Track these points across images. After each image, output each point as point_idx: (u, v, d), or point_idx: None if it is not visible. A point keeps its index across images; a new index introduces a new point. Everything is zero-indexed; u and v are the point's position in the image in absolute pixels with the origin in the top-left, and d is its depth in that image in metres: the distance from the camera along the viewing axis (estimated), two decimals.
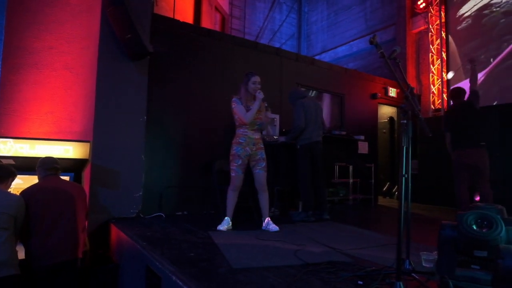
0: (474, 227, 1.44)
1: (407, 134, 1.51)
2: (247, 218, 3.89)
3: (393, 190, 7.31)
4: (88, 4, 3.98)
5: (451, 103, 4.28)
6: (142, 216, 3.71)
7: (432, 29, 7.10)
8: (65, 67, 3.97)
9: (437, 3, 7.12)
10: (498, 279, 1.08)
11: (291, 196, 4.59)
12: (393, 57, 1.84)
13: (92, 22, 3.84)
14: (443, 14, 6.97)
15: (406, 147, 1.52)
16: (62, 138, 3.65)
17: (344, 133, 5.58)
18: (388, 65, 1.66)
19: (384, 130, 7.59)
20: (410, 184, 1.67)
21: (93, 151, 3.48)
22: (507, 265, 1.07)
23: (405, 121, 1.53)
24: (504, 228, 1.44)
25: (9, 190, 2.57)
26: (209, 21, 7.45)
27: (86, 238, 2.90)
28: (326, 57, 9.70)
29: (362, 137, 5.88)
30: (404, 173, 1.52)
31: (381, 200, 6.47)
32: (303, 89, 4.98)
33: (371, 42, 1.69)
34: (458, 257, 1.51)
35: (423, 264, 2.07)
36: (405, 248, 1.83)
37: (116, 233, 3.24)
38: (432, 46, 7.07)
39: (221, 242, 2.66)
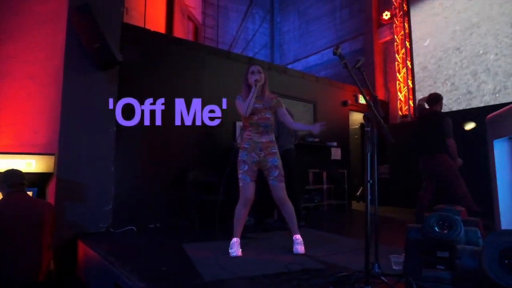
0: (436, 229, 1.50)
1: (371, 141, 1.56)
2: (221, 228, 3.86)
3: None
4: (53, 12, 3.85)
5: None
6: (112, 230, 3.58)
7: (397, 39, 7.43)
8: (28, 77, 3.80)
9: (401, 14, 7.46)
10: (457, 278, 1.13)
11: (267, 204, 4.59)
12: (358, 67, 1.90)
13: (58, 30, 3.71)
14: (406, 25, 7.31)
15: (370, 154, 1.56)
16: (24, 151, 3.47)
17: (317, 140, 5.68)
18: (351, 75, 1.71)
19: (356, 136, 7.79)
20: (376, 189, 1.71)
21: (59, 164, 3.34)
22: (463, 265, 1.12)
23: (369, 129, 1.58)
24: (463, 229, 1.50)
25: None
26: (181, 30, 7.42)
27: (51, 257, 2.75)
28: (298, 66, 9.89)
29: (335, 144, 6.00)
30: (369, 179, 1.56)
31: (355, 205, 6.60)
32: None
33: (334, 53, 1.73)
34: (425, 258, 1.56)
35: (393, 267, 2.11)
36: (374, 251, 1.87)
37: (83, 249, 3.10)
38: (398, 55, 7.39)
39: (194, 254, 2.60)
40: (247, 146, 2.71)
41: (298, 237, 2.70)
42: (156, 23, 6.61)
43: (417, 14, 7.17)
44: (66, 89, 3.45)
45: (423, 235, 1.53)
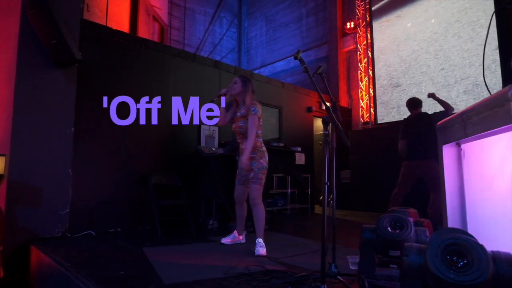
0: (389, 229, 1.59)
1: (328, 145, 1.63)
2: (185, 231, 3.81)
3: (329, 199, 7.69)
4: (6, 4, 3.63)
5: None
6: (69, 235, 3.42)
7: (360, 49, 7.78)
8: None
9: (364, 25, 7.83)
10: (404, 275, 1.21)
11: (230, 208, 4.60)
12: (319, 72, 1.98)
13: (10, 24, 3.50)
14: (369, 36, 7.68)
15: (327, 157, 1.63)
16: None
17: (282, 144, 5.77)
18: (311, 79, 1.78)
19: (320, 142, 8.01)
20: (335, 192, 1.79)
21: (10, 165, 3.13)
22: (410, 261, 1.20)
23: (327, 132, 1.65)
24: (413, 229, 1.61)
25: None
26: (146, 31, 7.26)
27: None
28: (265, 71, 10.03)
29: (299, 149, 6.14)
30: (326, 181, 1.62)
31: (318, 209, 6.77)
32: None
33: (295, 58, 1.80)
34: (379, 258, 1.64)
35: (350, 267, 2.20)
36: (331, 252, 1.94)
37: (36, 255, 2.93)
38: (360, 64, 7.74)
39: (154, 258, 2.55)
40: (239, 151, 3.01)
41: (260, 240, 2.80)
42: (119, 22, 6.43)
43: (378, 25, 7.56)
44: (19, 86, 3.25)
45: (377, 235, 1.62)
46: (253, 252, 2.72)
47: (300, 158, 6.23)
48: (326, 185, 1.65)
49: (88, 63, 3.76)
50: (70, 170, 3.51)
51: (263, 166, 2.90)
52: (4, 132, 3.32)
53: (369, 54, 7.65)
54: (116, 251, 2.86)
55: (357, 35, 7.85)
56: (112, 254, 2.75)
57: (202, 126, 4.91)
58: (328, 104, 1.79)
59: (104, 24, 5.33)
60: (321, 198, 7.70)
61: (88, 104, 3.79)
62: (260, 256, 2.65)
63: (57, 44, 3.31)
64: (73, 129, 3.56)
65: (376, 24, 7.53)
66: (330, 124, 1.69)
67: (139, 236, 3.54)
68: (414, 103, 4.31)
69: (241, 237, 3.19)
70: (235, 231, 3.18)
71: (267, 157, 2.97)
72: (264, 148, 3.00)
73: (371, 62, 7.53)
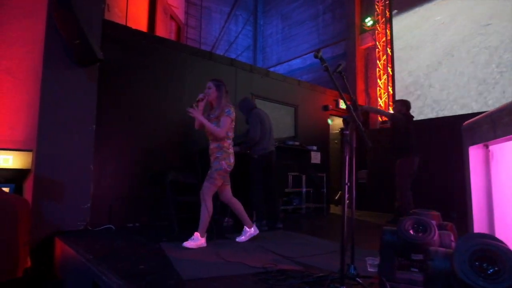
0: (411, 232, 1.57)
1: (349, 144, 1.62)
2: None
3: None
4: (32, 6, 3.74)
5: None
6: (90, 228, 3.52)
7: (378, 46, 7.65)
8: (5, 72, 3.68)
9: (383, 21, 7.69)
10: (428, 279, 1.19)
11: (245, 205, 4.61)
12: (339, 71, 1.96)
13: (37, 25, 3.62)
14: (388, 32, 7.54)
15: (348, 157, 1.62)
16: (1, 147, 3.36)
17: (297, 143, 5.76)
18: (331, 79, 1.77)
19: (336, 141, 7.94)
20: (354, 192, 1.78)
21: (36, 160, 3.25)
22: (435, 266, 1.18)
23: (347, 132, 1.64)
24: (437, 232, 1.58)
25: None
26: (164, 30, 7.36)
27: (27, 254, 2.68)
28: (280, 69, 9.99)
29: (315, 148, 6.11)
30: (346, 181, 1.62)
31: (333, 209, 6.72)
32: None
33: (315, 56, 1.79)
34: (399, 261, 1.63)
35: (368, 269, 2.17)
36: (350, 254, 1.93)
37: (61, 247, 3.04)
38: (379, 61, 7.60)
39: (172, 254, 2.60)
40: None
41: (196, 234, 2.91)
42: (138, 21, 6.53)
43: (399, 22, 7.41)
44: (45, 85, 3.37)
45: (398, 238, 1.60)
46: (266, 249, 2.73)
47: (315, 157, 6.20)
48: (346, 186, 1.64)
49: (109, 62, 3.85)
50: (92, 166, 3.61)
51: (221, 168, 2.98)
52: (31, 129, 3.44)
53: (389, 51, 7.51)
54: (135, 245, 2.92)
55: (376, 31, 7.71)
56: (132, 248, 2.82)
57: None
58: (348, 103, 1.77)
59: (124, 23, 5.43)
60: (336, 197, 7.65)
61: (108, 102, 3.88)
62: (185, 247, 2.78)
63: (80, 44, 3.40)
64: (94, 126, 3.65)
65: (396, 20, 7.39)
66: (350, 123, 1.67)
67: (157, 232, 3.61)
68: (409, 105, 4.79)
69: (252, 229, 3.25)
70: (245, 227, 3.24)
71: (232, 160, 3.05)
72: (231, 151, 3.07)
73: (391, 59, 7.40)
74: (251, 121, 4.03)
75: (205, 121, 2.99)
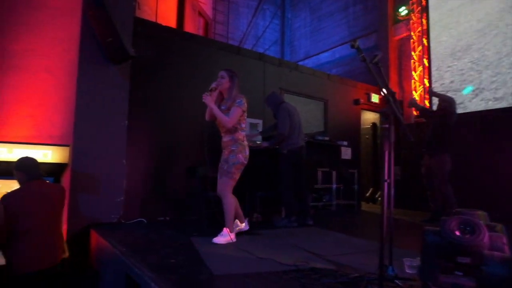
0: (457, 233, 1.45)
1: (388, 139, 1.52)
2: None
3: (376, 196, 7.39)
4: (69, 6, 3.88)
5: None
6: (123, 222, 3.62)
7: (413, 36, 7.29)
8: (45, 70, 3.85)
9: (418, 10, 7.32)
10: (482, 286, 1.08)
11: (274, 201, 4.57)
12: (375, 62, 1.86)
13: (73, 25, 3.74)
14: (424, 22, 7.17)
15: (388, 152, 1.52)
16: (41, 142, 3.52)
17: (327, 138, 5.62)
18: (370, 69, 1.67)
19: (367, 136, 7.69)
20: (392, 190, 1.67)
21: (73, 155, 3.38)
22: (490, 272, 1.07)
23: (386, 126, 1.54)
24: (487, 234, 1.45)
25: None
26: (192, 26, 7.42)
27: (64, 243, 2.81)
28: (309, 63, 9.80)
29: (345, 143, 5.94)
30: (386, 178, 1.52)
31: (364, 206, 6.53)
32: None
33: (352, 46, 1.69)
34: (441, 263, 1.51)
35: (406, 270, 2.07)
36: (388, 254, 1.83)
37: (96, 239, 3.14)
38: (414, 52, 7.25)
39: (202, 248, 2.61)
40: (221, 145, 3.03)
41: (225, 230, 2.85)
42: (168, 18, 6.61)
43: (436, 10, 7.01)
44: (81, 82, 3.48)
45: (442, 239, 1.49)
46: (297, 246, 2.67)
47: (346, 153, 6.03)
48: (386, 183, 1.54)
49: (140, 59, 3.91)
50: (124, 161, 3.69)
51: (239, 161, 2.90)
52: (68, 124, 3.58)
53: (425, 41, 7.13)
54: (166, 239, 2.96)
55: (411, 21, 7.35)
56: (163, 241, 2.86)
57: (247, 119, 4.91)
58: (387, 95, 1.66)
59: (154, 21, 5.50)
60: (367, 194, 7.43)
61: (139, 97, 3.96)
62: (214, 243, 2.72)
63: (113, 42, 3.47)
64: (126, 122, 3.74)
65: (433, 9, 7.01)
66: (390, 116, 1.57)
67: (187, 226, 3.65)
68: None
69: (243, 224, 3.17)
70: (236, 220, 3.12)
71: (247, 153, 2.96)
72: (245, 143, 2.97)
73: (427, 50, 7.03)
74: (280, 115, 3.96)
75: (216, 110, 2.90)
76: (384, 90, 1.63)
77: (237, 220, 3.14)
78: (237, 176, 2.94)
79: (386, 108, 1.59)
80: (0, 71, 3.65)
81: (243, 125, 2.98)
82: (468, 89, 5.20)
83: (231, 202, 2.92)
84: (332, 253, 2.57)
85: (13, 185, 2.71)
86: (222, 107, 2.97)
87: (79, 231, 3.31)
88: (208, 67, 4.60)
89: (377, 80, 1.68)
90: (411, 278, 1.78)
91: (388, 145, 1.54)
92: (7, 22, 3.70)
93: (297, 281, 1.86)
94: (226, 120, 2.88)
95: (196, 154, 4.34)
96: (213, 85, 2.96)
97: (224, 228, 2.88)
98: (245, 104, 2.95)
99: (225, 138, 2.98)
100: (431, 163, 4.36)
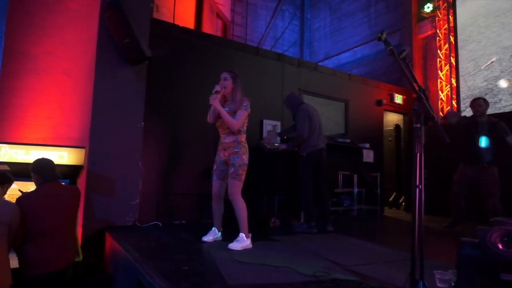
0: (500, 247, 1.27)
1: (420, 140, 1.36)
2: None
3: (400, 201, 7.09)
4: (87, 9, 3.91)
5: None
6: (138, 225, 3.57)
7: (439, 34, 6.96)
8: (63, 72, 3.89)
9: (444, 7, 6.99)
10: None
11: (293, 205, 4.42)
12: (402, 57, 1.70)
13: (91, 27, 3.76)
14: (451, 18, 6.84)
15: (419, 155, 1.36)
16: (59, 144, 3.54)
17: (348, 140, 5.42)
18: (398, 62, 1.51)
19: (390, 138, 7.41)
20: (423, 195, 1.51)
21: (89, 157, 3.36)
22: None
23: (418, 125, 1.38)
24: None
25: (4, 196, 2.46)
26: (210, 28, 7.39)
27: (78, 246, 2.78)
28: (329, 64, 9.58)
29: (367, 145, 5.72)
30: (417, 183, 1.36)
31: (387, 211, 6.26)
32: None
33: (379, 39, 1.55)
34: (481, 280, 1.34)
35: (438, 284, 1.89)
36: (418, 267, 1.65)
37: (110, 242, 3.10)
38: (440, 51, 6.92)
39: (217, 254, 2.50)
40: (218, 146, 3.01)
41: (242, 235, 2.78)
42: (186, 20, 6.61)
43: (463, 5, 6.67)
44: (98, 84, 3.47)
45: (482, 253, 1.31)
46: (316, 254, 2.52)
47: (368, 155, 5.80)
48: (417, 189, 1.38)
49: (157, 60, 3.88)
50: (140, 163, 3.66)
51: (244, 163, 2.88)
52: (85, 126, 3.58)
53: (451, 39, 6.80)
54: (180, 243, 2.89)
55: (437, 18, 7.03)
56: (177, 246, 2.78)
57: (265, 121, 4.80)
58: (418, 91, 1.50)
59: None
60: (391, 199, 7.14)
61: (155, 98, 3.92)
62: (230, 249, 2.63)
63: (130, 43, 3.45)
64: (142, 123, 3.70)
65: (461, 4, 6.68)
66: (422, 115, 1.41)
67: (202, 230, 3.54)
68: None
69: (220, 233, 3.09)
70: (214, 228, 3.05)
71: (248, 154, 2.96)
72: (247, 145, 2.97)
73: (454, 48, 6.69)
74: (299, 117, 3.82)
75: (224, 113, 2.86)
76: (415, 86, 1.47)
77: (215, 228, 3.05)
78: (243, 177, 2.90)
79: (418, 106, 1.43)
80: (20, 74, 3.71)
81: (245, 128, 3.00)
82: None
83: (243, 206, 2.85)
84: (355, 263, 2.40)
85: (30, 186, 2.71)
86: (226, 109, 2.93)
87: (94, 234, 3.28)
88: (225, 68, 4.50)
89: (407, 75, 1.53)
90: None
91: (420, 146, 1.38)
92: (27, 26, 3.76)
93: None
94: (234, 123, 2.86)
95: (211, 156, 4.26)
96: (217, 88, 2.94)
97: (240, 233, 2.79)
98: (249, 107, 2.96)
99: (227, 139, 2.94)
100: (480, 175, 3.93)
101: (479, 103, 3.87)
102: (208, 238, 2.99)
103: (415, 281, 1.44)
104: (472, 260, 1.34)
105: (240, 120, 2.87)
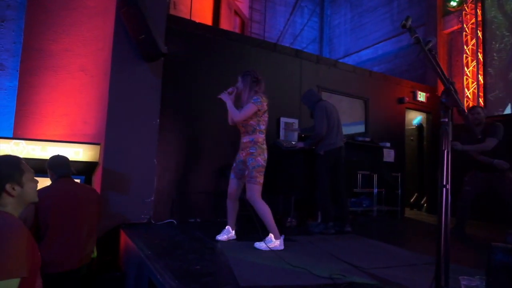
0: None
1: (447, 136, 1.24)
2: (262, 227, 3.67)
3: (422, 202, 6.83)
4: (103, 5, 3.93)
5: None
6: (153, 222, 3.56)
7: (466, 29, 6.64)
8: (80, 69, 3.92)
9: (472, 0, 6.66)
10: None
11: (310, 205, 4.31)
12: (428, 48, 1.58)
13: (107, 23, 3.78)
14: (479, 12, 6.51)
15: (447, 152, 1.24)
16: (75, 140, 3.57)
17: (368, 139, 5.25)
18: (425, 52, 1.40)
19: (412, 137, 7.15)
20: (450, 195, 1.38)
21: (104, 154, 3.37)
22: None
23: (446, 120, 1.26)
24: None
25: None
26: (228, 25, 7.35)
27: (95, 244, 2.77)
28: (349, 61, 9.35)
29: (388, 144, 5.52)
30: (444, 183, 1.24)
31: (408, 213, 6.04)
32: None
33: (403, 26, 1.43)
34: None
35: None
36: (443, 272, 1.53)
37: (124, 240, 3.10)
38: (467, 47, 6.60)
39: (230, 254, 2.44)
40: (239, 145, 2.95)
41: (270, 236, 2.70)
42: (203, 17, 6.59)
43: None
44: (114, 81, 3.47)
45: None
46: (332, 255, 2.42)
47: (389, 155, 5.61)
48: (444, 189, 1.27)
49: (173, 56, 3.86)
50: (155, 160, 3.64)
51: (259, 164, 2.77)
52: (101, 123, 3.60)
53: (479, 34, 6.47)
54: (194, 242, 2.84)
55: (463, 12, 6.70)
56: (190, 245, 2.74)
57: (282, 118, 4.71)
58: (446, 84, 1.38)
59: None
60: (411, 200, 6.89)
61: (171, 95, 3.90)
62: (258, 249, 2.61)
63: (145, 39, 3.44)
64: (158, 120, 3.69)
65: None
66: (450, 108, 1.29)
67: (217, 228, 3.50)
68: None
69: (233, 232, 3.02)
70: (228, 227, 2.99)
71: (266, 155, 2.84)
72: (265, 146, 2.86)
73: (482, 44, 6.37)
74: (316, 115, 3.71)
75: (229, 104, 2.85)
76: (443, 78, 1.35)
77: (228, 227, 2.99)
78: (260, 179, 2.78)
79: (446, 99, 1.30)
80: (38, 71, 3.77)
81: (263, 127, 2.86)
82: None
83: (264, 208, 2.75)
84: (373, 266, 2.29)
85: (46, 182, 2.71)
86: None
87: (109, 230, 3.29)
88: (242, 64, 4.46)
89: (434, 65, 1.41)
90: None
91: (447, 143, 1.26)
92: (45, 24, 3.81)
93: None
94: (235, 114, 2.80)
95: (228, 154, 4.21)
96: (230, 89, 2.95)
97: (270, 234, 2.70)
98: (263, 103, 2.79)
99: (244, 139, 2.88)
100: (494, 182, 3.64)
101: (477, 111, 3.64)
102: (222, 237, 2.94)
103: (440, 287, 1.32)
104: (505, 267, 1.22)
105: (244, 112, 2.77)
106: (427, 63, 1.37)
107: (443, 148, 1.25)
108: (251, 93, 2.84)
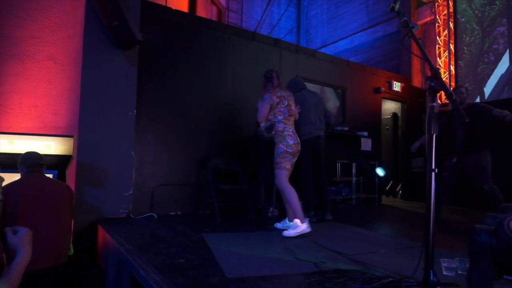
0: None
1: (435, 120, 1.24)
2: (245, 218, 3.65)
3: (397, 189, 7.05)
4: None
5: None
6: (132, 216, 3.45)
7: (439, 20, 6.83)
8: (49, 58, 3.70)
9: None
10: None
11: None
12: (410, 35, 1.59)
13: (78, 9, 3.57)
14: (451, 4, 6.71)
15: (434, 137, 1.25)
16: (46, 133, 3.37)
17: (346, 129, 5.33)
18: (413, 36, 1.40)
19: (387, 127, 7.32)
20: (433, 183, 1.40)
21: (78, 147, 3.21)
22: None
23: (434, 104, 1.27)
24: None
25: None
26: (204, 14, 7.18)
27: (70, 241, 2.64)
28: (326, 52, 9.37)
29: (366, 134, 5.63)
30: (433, 167, 1.25)
31: (385, 200, 6.22)
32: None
33: (392, 9, 1.43)
34: (496, 268, 1.25)
35: (444, 273, 1.83)
36: (426, 256, 1.56)
37: (102, 235, 2.98)
38: (439, 37, 6.81)
39: (214, 246, 2.40)
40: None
41: (296, 221, 2.83)
42: (179, 6, 6.39)
43: None
44: (86, 69, 3.30)
45: (498, 241, 1.22)
46: (318, 243, 2.43)
47: (366, 144, 5.71)
48: (433, 173, 1.28)
49: (149, 44, 3.71)
50: (133, 152, 3.52)
51: (281, 151, 2.96)
52: (73, 114, 3.42)
53: (451, 25, 6.68)
54: (176, 235, 2.78)
55: (436, 4, 6.89)
56: (172, 238, 2.67)
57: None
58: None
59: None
60: (387, 188, 7.09)
61: (148, 85, 3.76)
62: (284, 236, 2.72)
63: (119, 26, 3.29)
64: (135, 111, 3.55)
65: None
66: (438, 92, 1.29)
67: (199, 221, 3.47)
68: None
69: (304, 226, 2.87)
70: (295, 221, 2.88)
71: (290, 141, 2.98)
72: (285, 133, 3.01)
73: (453, 34, 6.58)
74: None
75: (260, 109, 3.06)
76: (431, 62, 1.35)
77: (296, 220, 2.86)
78: (285, 165, 2.96)
79: (435, 83, 1.31)
80: (1, 60, 3.52)
81: (280, 117, 3.03)
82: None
83: (291, 193, 2.91)
84: (356, 252, 2.32)
85: (14, 178, 2.56)
86: None
87: (86, 226, 3.16)
88: (221, 53, 4.37)
89: (422, 49, 1.41)
90: (452, 284, 1.52)
91: (435, 127, 1.27)
92: (8, 8, 3.55)
93: (320, 285, 1.63)
94: (257, 117, 3.08)
95: (207, 145, 4.14)
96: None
97: (295, 219, 2.82)
98: (273, 97, 3.00)
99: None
100: (467, 162, 3.79)
101: (461, 91, 3.80)
102: (288, 233, 2.80)
103: (428, 270, 1.35)
104: (488, 248, 1.25)
105: (260, 112, 3.03)
106: (409, 49, 1.36)
107: (432, 132, 1.26)
108: (264, 93, 3.07)
